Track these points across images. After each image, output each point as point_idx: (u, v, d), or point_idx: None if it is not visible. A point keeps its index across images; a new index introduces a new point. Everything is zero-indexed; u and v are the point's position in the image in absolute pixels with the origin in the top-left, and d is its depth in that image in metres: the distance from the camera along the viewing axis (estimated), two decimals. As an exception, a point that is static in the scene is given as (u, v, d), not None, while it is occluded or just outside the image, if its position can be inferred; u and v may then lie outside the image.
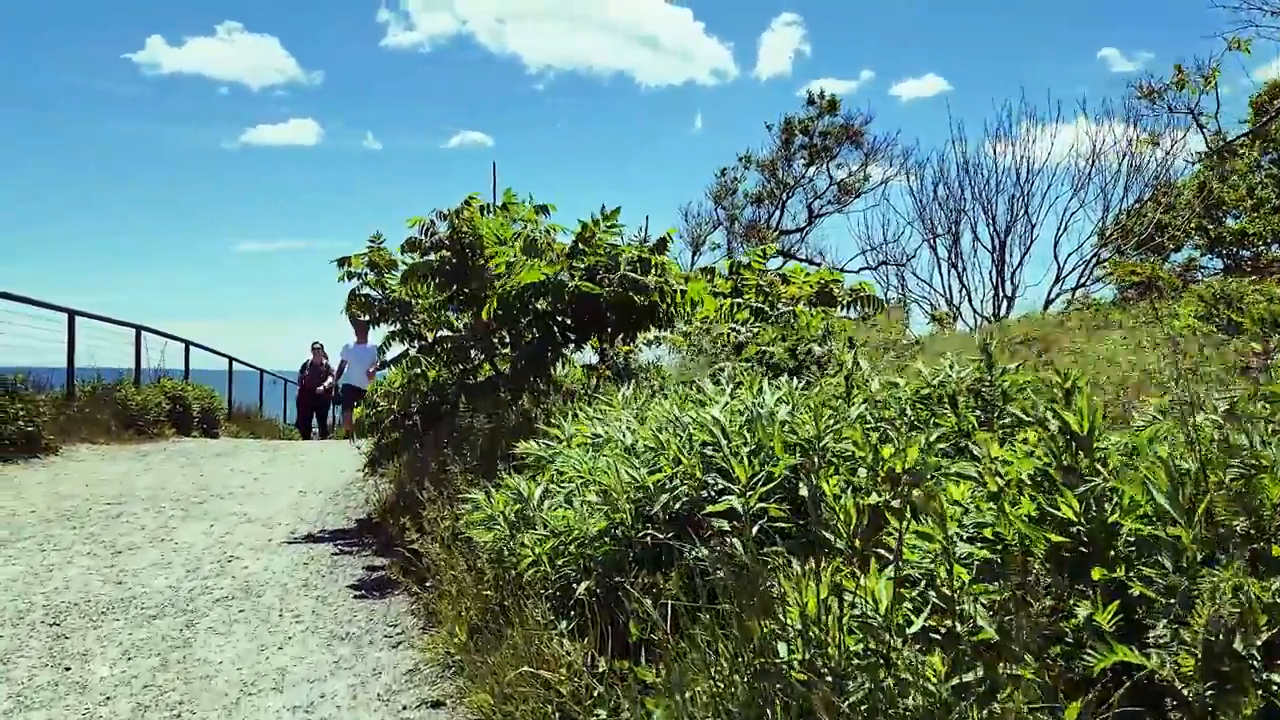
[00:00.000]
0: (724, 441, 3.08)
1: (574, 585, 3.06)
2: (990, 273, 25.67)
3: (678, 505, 2.92)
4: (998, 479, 2.46)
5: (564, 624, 2.84)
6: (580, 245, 4.91)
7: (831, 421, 3.09)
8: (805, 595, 2.13)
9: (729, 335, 5.27)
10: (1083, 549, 2.12)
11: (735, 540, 2.79)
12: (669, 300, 4.85)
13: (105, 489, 7.58)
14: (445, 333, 6.53)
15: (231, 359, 16.92)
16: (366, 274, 6.70)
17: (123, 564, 5.26)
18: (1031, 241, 24.88)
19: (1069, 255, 25.46)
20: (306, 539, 6.09)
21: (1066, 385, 2.36)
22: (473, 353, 6.16)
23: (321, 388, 15.57)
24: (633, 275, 4.69)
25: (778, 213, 29.84)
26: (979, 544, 2.35)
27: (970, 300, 26.12)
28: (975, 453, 3.22)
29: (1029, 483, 2.37)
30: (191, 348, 15.34)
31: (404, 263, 5.91)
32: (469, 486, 4.22)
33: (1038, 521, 2.36)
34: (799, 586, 2.39)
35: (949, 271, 27.49)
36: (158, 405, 12.46)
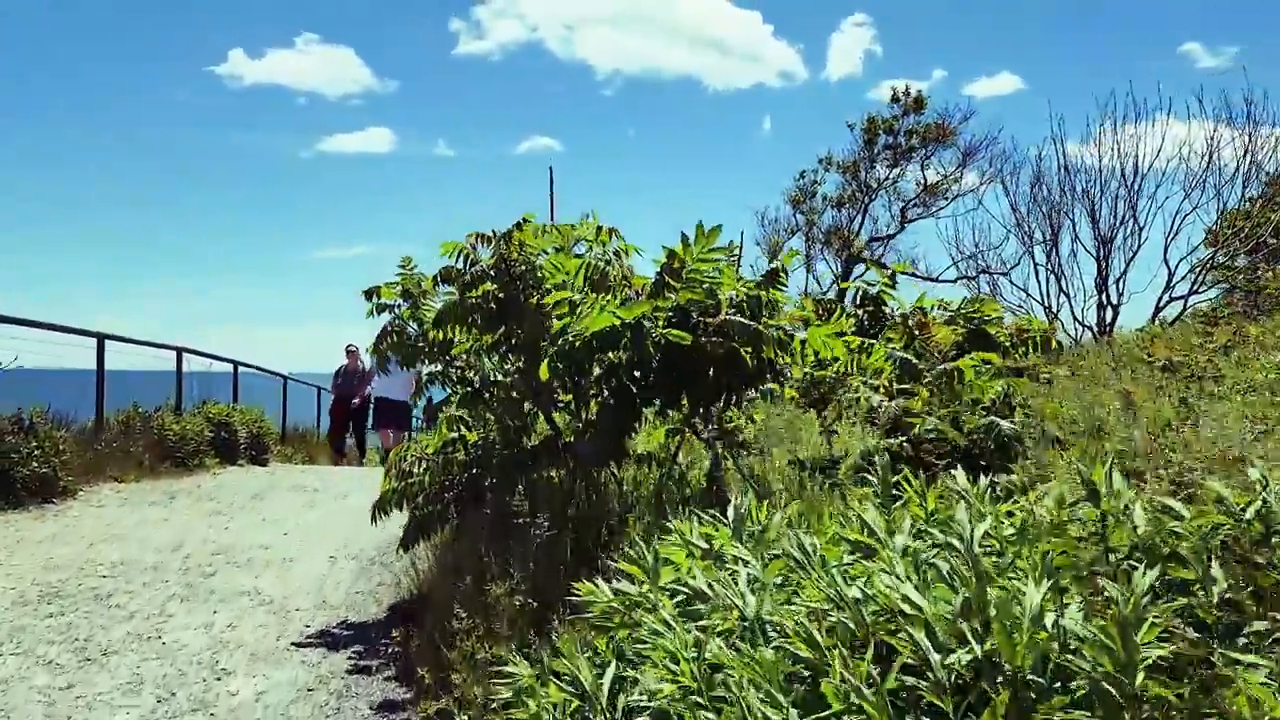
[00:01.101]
0: (932, 653, 1.76)
1: None
2: (1095, 278, 23.67)
3: (865, 796, 1.61)
4: None
5: None
6: (666, 279, 3.62)
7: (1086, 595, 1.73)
8: None
9: (862, 395, 3.94)
10: None
11: None
12: (786, 351, 3.54)
13: (110, 550, 6.55)
14: (496, 376, 5.31)
15: (286, 378, 16.09)
16: (400, 305, 5.53)
17: (83, 683, 4.14)
18: (1139, 246, 22.84)
19: (1180, 261, 23.40)
20: (320, 638, 4.91)
21: None
22: (526, 405, 4.92)
23: (356, 400, 14.33)
24: (742, 322, 3.38)
25: (860, 217, 28.24)
26: None
27: (1071, 307, 24.14)
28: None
29: None
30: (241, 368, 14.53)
31: (441, 294, 4.71)
32: (513, 635, 2.96)
33: None
34: None
35: (1047, 278, 25.64)
36: (199, 434, 11.58)
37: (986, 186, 22.17)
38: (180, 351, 11.93)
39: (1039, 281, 24.04)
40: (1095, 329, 23.50)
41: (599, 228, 5.19)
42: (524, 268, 4.32)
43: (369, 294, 5.65)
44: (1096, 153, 22.08)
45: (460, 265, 4.47)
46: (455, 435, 4.56)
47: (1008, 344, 4.58)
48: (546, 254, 4.47)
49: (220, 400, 14.90)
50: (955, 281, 22.34)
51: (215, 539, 7.13)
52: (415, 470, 4.69)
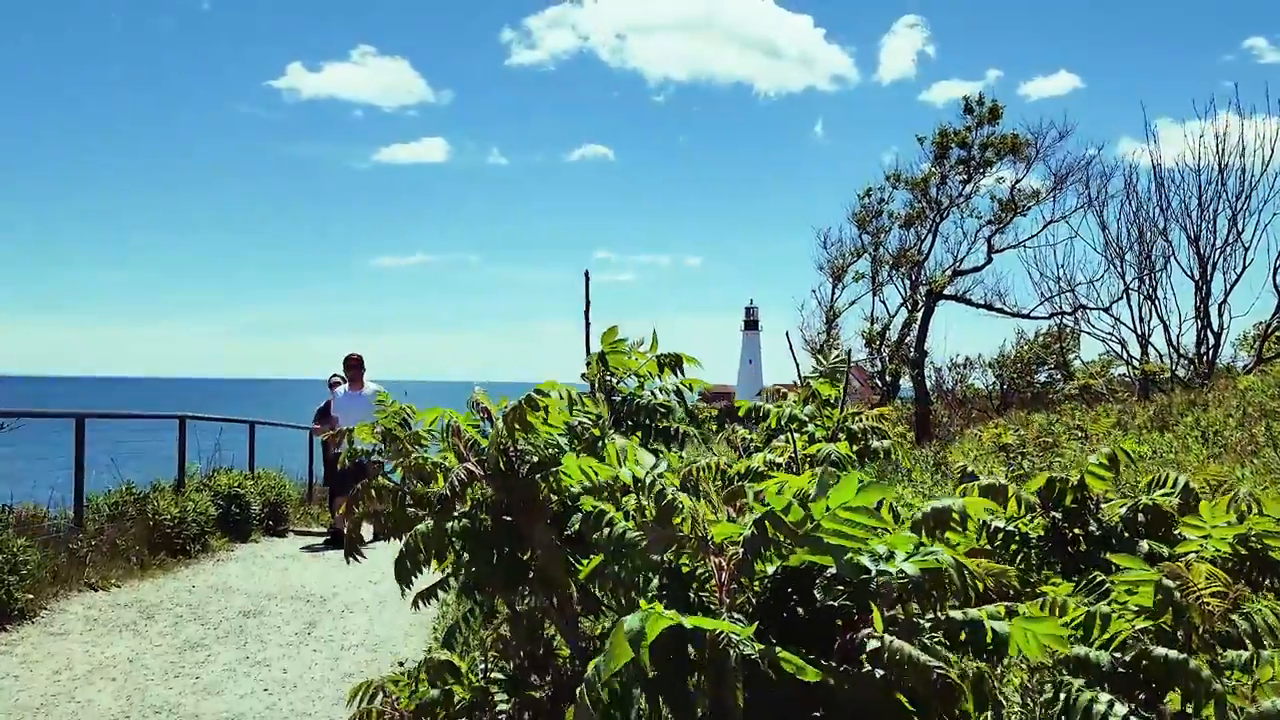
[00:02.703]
0: None
1: None
2: (1195, 303, 21.44)
3: None
4: None
5: None
6: (774, 533, 2.07)
7: None
8: None
9: None
10: None
11: None
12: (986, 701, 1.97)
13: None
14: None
15: (313, 430, 14.78)
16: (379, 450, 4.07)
17: None
18: (1245, 267, 20.60)
19: (1291, 282, 21.02)
20: None
21: None
22: (545, 627, 3.40)
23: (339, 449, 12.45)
24: (928, 667, 1.80)
25: (930, 236, 26.24)
26: None
27: (1166, 333, 21.88)
28: None
29: None
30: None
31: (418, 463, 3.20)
32: None
33: None
34: None
35: (1140, 302, 23.31)
36: (203, 512, 10.29)
37: (1080, 213, 20.05)
38: (183, 420, 10.65)
39: (1130, 306, 21.72)
40: (1194, 359, 21.22)
41: (658, 359, 3.66)
42: (537, 459, 2.78)
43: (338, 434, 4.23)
44: (1195, 164, 19.78)
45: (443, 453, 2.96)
46: (431, 695, 3.04)
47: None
48: (571, 431, 2.93)
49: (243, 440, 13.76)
50: (1049, 319, 20.37)
51: (172, 704, 5.71)
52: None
